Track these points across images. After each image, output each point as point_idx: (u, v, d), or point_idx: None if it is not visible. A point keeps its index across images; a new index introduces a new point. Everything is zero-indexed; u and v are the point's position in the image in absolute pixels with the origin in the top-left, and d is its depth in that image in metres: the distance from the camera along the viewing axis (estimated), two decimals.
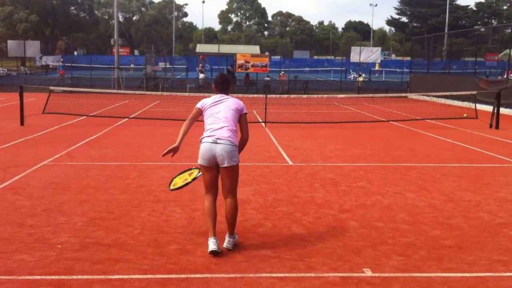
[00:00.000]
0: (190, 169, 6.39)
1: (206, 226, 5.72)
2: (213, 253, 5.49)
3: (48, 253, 5.52)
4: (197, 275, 5.01)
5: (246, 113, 5.92)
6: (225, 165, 5.60)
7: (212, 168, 5.69)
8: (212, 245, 5.51)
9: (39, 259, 5.36)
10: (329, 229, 6.55)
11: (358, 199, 8.02)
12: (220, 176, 5.72)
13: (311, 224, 6.72)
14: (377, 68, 53.77)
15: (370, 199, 8.04)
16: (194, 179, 6.07)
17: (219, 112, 5.81)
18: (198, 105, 6.05)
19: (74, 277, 4.94)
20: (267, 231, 6.39)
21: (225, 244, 5.71)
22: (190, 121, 6.10)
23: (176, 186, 6.15)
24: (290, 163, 10.81)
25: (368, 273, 5.15)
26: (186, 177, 6.21)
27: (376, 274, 5.12)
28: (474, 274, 5.18)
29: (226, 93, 6.05)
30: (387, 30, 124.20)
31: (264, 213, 7.20)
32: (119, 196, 7.94)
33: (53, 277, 4.93)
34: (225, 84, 6.05)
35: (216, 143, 5.61)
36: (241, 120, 5.86)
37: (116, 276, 4.97)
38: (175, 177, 6.38)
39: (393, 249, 5.84)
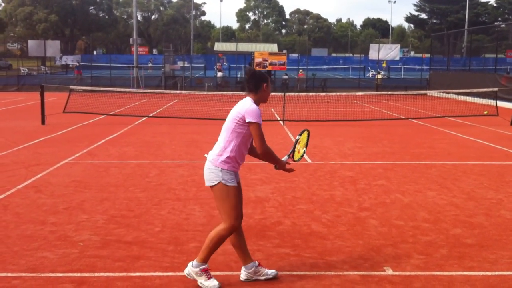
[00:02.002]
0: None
1: None
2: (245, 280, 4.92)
3: (70, 251, 5.59)
4: (218, 273, 5.03)
5: (252, 121, 4.59)
6: (206, 184, 4.82)
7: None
8: (241, 274, 4.97)
9: (62, 257, 5.42)
10: (349, 227, 6.53)
11: (378, 197, 7.98)
12: None
13: (330, 222, 6.71)
14: (384, 65, 53.37)
15: (390, 197, 8.00)
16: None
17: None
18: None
19: (95, 274, 4.99)
20: (286, 229, 6.39)
21: (185, 269, 4.89)
22: None
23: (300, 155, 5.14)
24: (309, 161, 10.79)
25: (388, 271, 5.12)
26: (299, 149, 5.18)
27: (397, 273, 5.10)
28: (496, 273, 5.13)
29: (252, 91, 4.77)
30: (406, 27, 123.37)
31: (283, 211, 7.21)
32: (139, 194, 8.00)
33: (75, 274, 4.99)
34: (252, 81, 4.79)
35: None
36: (251, 130, 4.66)
37: (137, 274, 5.01)
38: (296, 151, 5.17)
39: (414, 247, 5.81)
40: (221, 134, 4.79)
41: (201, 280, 4.74)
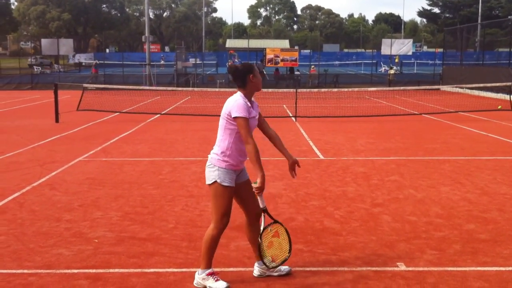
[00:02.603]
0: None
1: None
2: (259, 276, 4.93)
3: (85, 247, 5.65)
4: (231, 269, 5.07)
5: (237, 116, 4.52)
6: (206, 183, 4.76)
7: None
8: (254, 270, 4.98)
9: (77, 253, 5.49)
10: (362, 223, 6.53)
11: (391, 193, 7.98)
12: None
13: (343, 218, 6.72)
14: (396, 61, 53.09)
15: (403, 193, 7.99)
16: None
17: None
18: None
19: (110, 270, 5.05)
20: (299, 225, 6.41)
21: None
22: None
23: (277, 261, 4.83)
24: (321, 157, 10.79)
25: (402, 267, 5.13)
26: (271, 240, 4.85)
27: (410, 268, 5.10)
28: (510, 268, 5.11)
29: (241, 87, 4.69)
30: (419, 22, 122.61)
31: (296, 207, 7.22)
32: (153, 191, 8.06)
33: (90, 270, 5.05)
34: (234, 78, 4.75)
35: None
36: (237, 125, 4.58)
37: (152, 270, 5.06)
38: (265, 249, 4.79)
39: (427, 243, 5.80)
40: (218, 132, 4.73)
41: (210, 284, 4.69)
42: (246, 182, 4.82)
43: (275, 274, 4.93)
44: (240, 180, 4.78)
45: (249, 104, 4.66)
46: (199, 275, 4.75)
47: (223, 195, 4.61)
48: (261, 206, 4.73)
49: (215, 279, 4.70)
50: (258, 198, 4.69)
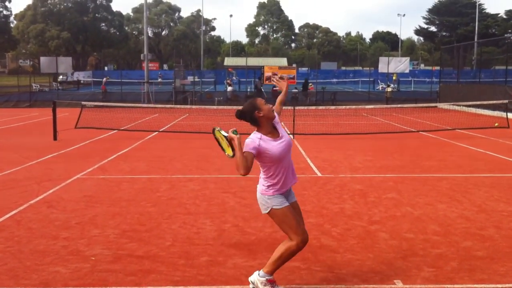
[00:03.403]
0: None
1: None
2: None
3: (82, 265, 5.64)
4: (228, 287, 5.06)
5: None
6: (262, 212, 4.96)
7: None
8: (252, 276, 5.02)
9: (74, 271, 5.48)
10: (359, 240, 6.54)
11: (388, 210, 7.99)
12: None
13: (340, 236, 6.72)
14: (394, 78, 53.34)
15: (400, 210, 8.00)
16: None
17: None
18: None
19: None
20: None
21: (250, 277, 5.02)
22: None
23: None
24: (319, 174, 10.81)
25: (399, 284, 5.13)
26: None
27: (407, 286, 5.10)
28: (507, 285, 5.11)
29: (256, 125, 4.87)
30: (416, 40, 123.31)
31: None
32: (151, 209, 8.06)
33: None
34: (242, 118, 4.90)
35: None
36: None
37: None
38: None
39: (424, 260, 5.81)
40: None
41: (258, 281, 4.83)
42: (294, 203, 4.93)
43: None
44: (289, 201, 4.88)
45: (257, 141, 4.70)
46: (260, 277, 4.84)
47: (285, 215, 4.75)
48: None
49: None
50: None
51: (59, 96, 36.16)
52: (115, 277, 5.31)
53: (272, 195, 4.76)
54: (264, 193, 4.79)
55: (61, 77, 59.26)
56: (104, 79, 45.38)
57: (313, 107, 24.46)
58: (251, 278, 4.95)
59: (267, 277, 4.82)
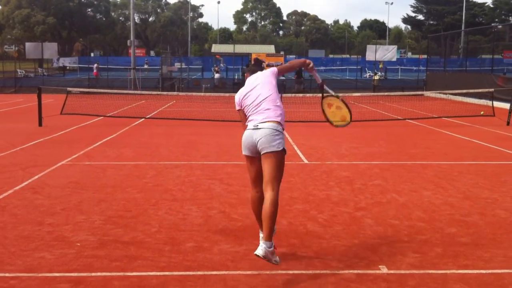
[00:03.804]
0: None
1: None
2: (263, 258, 4.90)
3: (68, 251, 5.62)
4: (214, 272, 5.07)
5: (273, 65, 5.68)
6: (265, 151, 4.98)
7: (255, 159, 5.14)
8: (258, 249, 4.92)
9: (59, 257, 5.45)
10: (345, 226, 6.57)
11: (374, 197, 8.02)
12: (262, 166, 5.09)
13: (326, 222, 6.75)
14: (380, 66, 53.45)
15: (386, 197, 8.04)
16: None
17: (257, 94, 5.22)
18: (236, 106, 5.43)
19: (93, 274, 5.02)
20: (282, 229, 6.42)
21: (256, 251, 4.89)
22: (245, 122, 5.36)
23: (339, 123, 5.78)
24: (306, 161, 10.83)
25: (384, 270, 5.16)
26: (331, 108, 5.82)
27: (392, 271, 5.14)
28: (490, 271, 5.17)
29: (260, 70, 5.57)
30: (403, 28, 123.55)
31: (280, 211, 7.17)
32: (137, 195, 8.03)
33: (72, 274, 5.02)
34: (257, 64, 5.82)
35: (257, 128, 5.04)
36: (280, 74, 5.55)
37: (134, 273, 5.04)
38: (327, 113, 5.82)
39: (409, 246, 5.85)
40: (265, 102, 5.15)
41: (275, 259, 4.99)
42: None
43: (274, 263, 4.98)
44: None
45: None
46: (269, 248, 4.86)
47: (284, 162, 5.12)
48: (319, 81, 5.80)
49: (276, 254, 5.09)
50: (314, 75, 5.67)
51: (45, 82, 35.84)
52: (101, 263, 5.29)
53: (283, 128, 5.15)
54: (281, 128, 5.09)
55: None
56: (95, 65, 44.83)
57: (301, 95, 24.46)
58: (260, 253, 4.82)
59: (273, 244, 4.95)
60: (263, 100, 5.17)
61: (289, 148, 12.38)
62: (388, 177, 9.40)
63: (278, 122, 5.06)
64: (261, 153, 5.02)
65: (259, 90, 5.22)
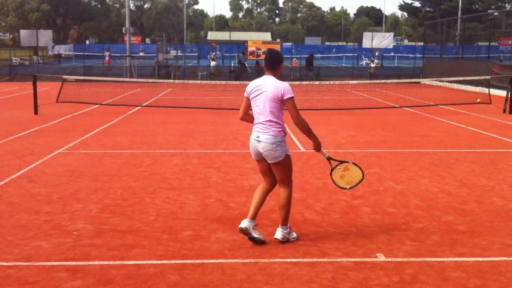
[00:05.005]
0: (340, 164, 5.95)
1: None
2: (240, 230, 5.43)
3: (65, 240, 5.61)
4: (212, 260, 5.07)
5: (290, 97, 5.34)
6: (270, 161, 5.48)
7: (262, 160, 5.58)
8: (242, 223, 5.46)
9: (56, 246, 5.44)
10: (342, 215, 6.58)
11: (371, 185, 8.03)
12: (272, 168, 5.59)
13: (324, 210, 6.75)
14: (377, 54, 53.35)
15: (383, 185, 8.05)
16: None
17: (259, 104, 5.48)
18: (245, 93, 5.67)
19: (90, 263, 5.02)
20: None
21: (275, 235, 5.56)
22: (243, 115, 5.74)
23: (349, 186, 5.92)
24: (303, 149, 10.82)
25: (381, 258, 5.18)
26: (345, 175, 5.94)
27: (389, 259, 5.15)
28: (487, 259, 5.18)
29: (271, 69, 5.57)
30: (400, 15, 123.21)
31: (277, 199, 7.20)
32: (133, 184, 8.01)
33: (69, 263, 5.02)
34: (273, 61, 5.57)
35: (258, 140, 5.44)
36: (287, 106, 5.39)
37: (132, 262, 5.04)
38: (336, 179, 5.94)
39: (406, 234, 5.86)
40: (266, 113, 5.41)
41: (293, 236, 5.63)
42: None
43: (292, 240, 5.60)
44: None
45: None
46: (285, 230, 5.55)
47: (291, 162, 5.60)
48: (325, 156, 5.86)
49: (292, 231, 5.69)
50: (320, 152, 5.77)
51: (40, 70, 35.64)
52: (98, 252, 5.28)
53: (284, 136, 5.48)
54: (281, 135, 5.43)
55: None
56: (107, 52, 44.30)
57: (297, 82, 24.41)
58: (278, 236, 5.53)
59: (289, 227, 5.59)
60: (266, 112, 5.42)
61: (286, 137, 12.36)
62: (385, 165, 9.40)
63: (277, 135, 5.42)
64: (268, 162, 5.53)
65: (262, 98, 5.46)
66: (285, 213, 5.55)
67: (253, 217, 5.51)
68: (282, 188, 5.59)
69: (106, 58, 42.34)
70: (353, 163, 5.88)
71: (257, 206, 5.58)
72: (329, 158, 5.82)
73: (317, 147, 5.68)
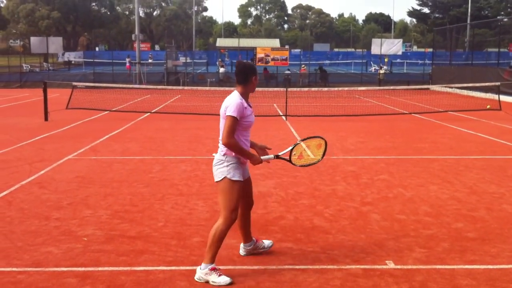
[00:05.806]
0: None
1: None
2: (244, 255, 5.36)
3: (74, 245, 5.63)
4: (221, 267, 5.06)
5: (229, 115, 4.72)
6: (215, 181, 5.01)
7: None
8: (240, 250, 5.43)
9: (66, 251, 5.47)
10: (351, 221, 6.56)
11: (380, 191, 8.01)
12: None
13: (332, 217, 6.74)
14: (386, 60, 53.20)
15: (392, 191, 8.02)
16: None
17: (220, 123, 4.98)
18: None
19: (100, 268, 5.04)
20: (289, 224, 6.42)
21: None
22: None
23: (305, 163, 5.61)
24: (312, 156, 10.79)
25: (390, 265, 5.16)
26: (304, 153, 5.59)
27: (399, 266, 5.13)
28: (498, 266, 5.15)
29: (241, 83, 4.92)
30: (408, 22, 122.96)
31: (286, 206, 7.24)
32: (143, 190, 8.04)
33: (79, 269, 5.04)
34: (241, 73, 4.94)
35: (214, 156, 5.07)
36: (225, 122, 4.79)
37: (141, 268, 5.05)
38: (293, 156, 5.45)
39: (416, 241, 5.84)
40: (220, 131, 4.90)
41: (213, 279, 4.74)
42: (248, 179, 5.12)
43: (261, 250, 5.35)
44: (245, 176, 5.03)
45: (245, 105, 4.84)
46: (202, 270, 4.81)
47: (232, 190, 4.84)
48: (272, 158, 5.21)
49: (218, 274, 4.77)
50: (266, 160, 5.15)
51: (50, 77, 35.85)
52: (108, 258, 5.30)
53: (234, 162, 4.85)
54: (227, 153, 4.84)
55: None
56: (128, 58, 44.59)
57: (306, 89, 24.43)
58: (196, 277, 4.83)
59: (208, 267, 4.79)
60: (220, 130, 4.90)
61: (294, 143, 12.37)
62: (394, 172, 9.38)
63: (222, 154, 4.89)
64: None
65: (220, 119, 4.93)
66: (210, 246, 4.83)
67: (247, 241, 5.34)
68: (219, 219, 4.92)
69: (127, 64, 42.67)
70: (301, 141, 5.50)
71: (243, 229, 5.29)
72: (277, 156, 5.23)
73: (256, 161, 4.96)
